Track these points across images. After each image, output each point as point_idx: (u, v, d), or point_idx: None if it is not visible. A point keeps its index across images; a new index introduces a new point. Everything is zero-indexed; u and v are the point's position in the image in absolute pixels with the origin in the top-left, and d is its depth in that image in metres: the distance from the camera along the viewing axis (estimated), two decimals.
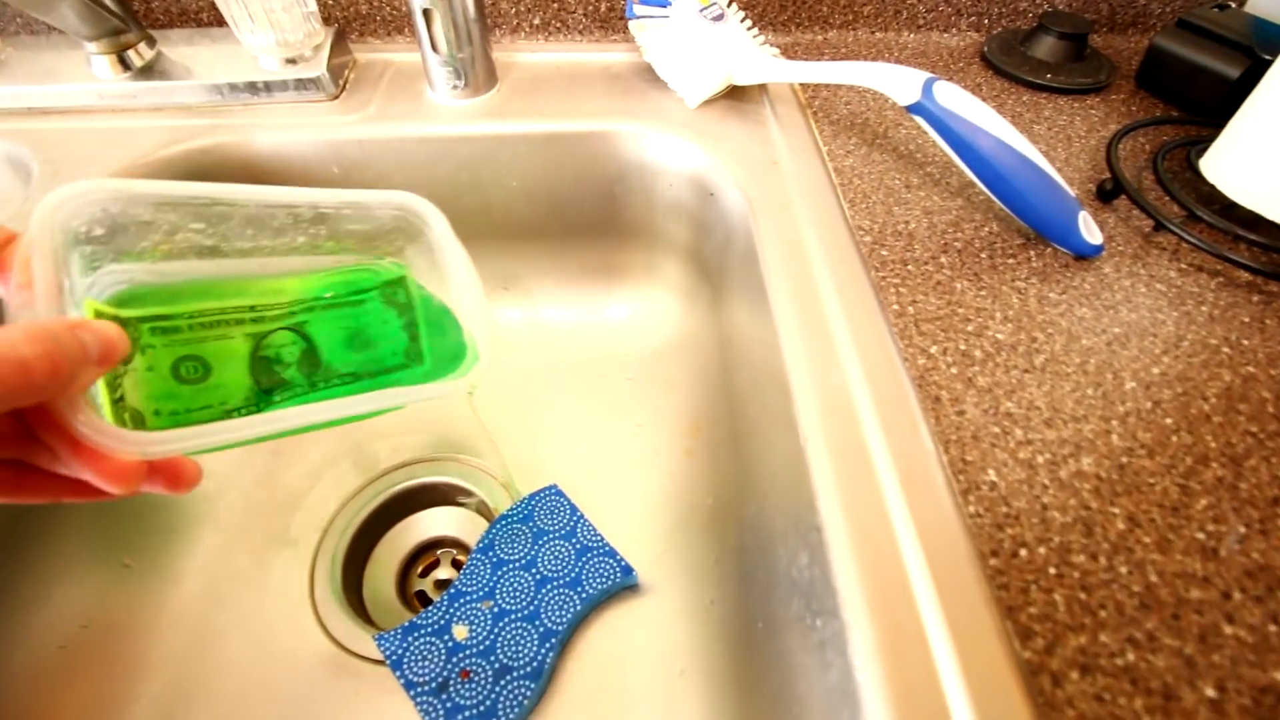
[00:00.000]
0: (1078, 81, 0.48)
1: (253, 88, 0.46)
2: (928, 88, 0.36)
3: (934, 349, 0.31)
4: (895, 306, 0.33)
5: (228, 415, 0.27)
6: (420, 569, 0.44)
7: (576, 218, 0.50)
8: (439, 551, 0.44)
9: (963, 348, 0.31)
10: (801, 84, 0.49)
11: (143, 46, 0.46)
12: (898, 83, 0.37)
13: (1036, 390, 0.29)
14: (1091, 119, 0.46)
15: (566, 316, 0.52)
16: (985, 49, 0.51)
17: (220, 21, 0.52)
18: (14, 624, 0.35)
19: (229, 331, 0.29)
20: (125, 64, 0.46)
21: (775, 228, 0.37)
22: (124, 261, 0.27)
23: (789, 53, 0.52)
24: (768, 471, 0.33)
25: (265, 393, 0.29)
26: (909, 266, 0.35)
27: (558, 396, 0.48)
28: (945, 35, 0.54)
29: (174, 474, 0.23)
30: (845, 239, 0.36)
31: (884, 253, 0.35)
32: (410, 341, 0.33)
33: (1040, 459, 0.27)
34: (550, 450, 0.45)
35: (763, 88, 0.48)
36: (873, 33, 0.54)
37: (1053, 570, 0.24)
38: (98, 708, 0.35)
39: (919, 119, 0.37)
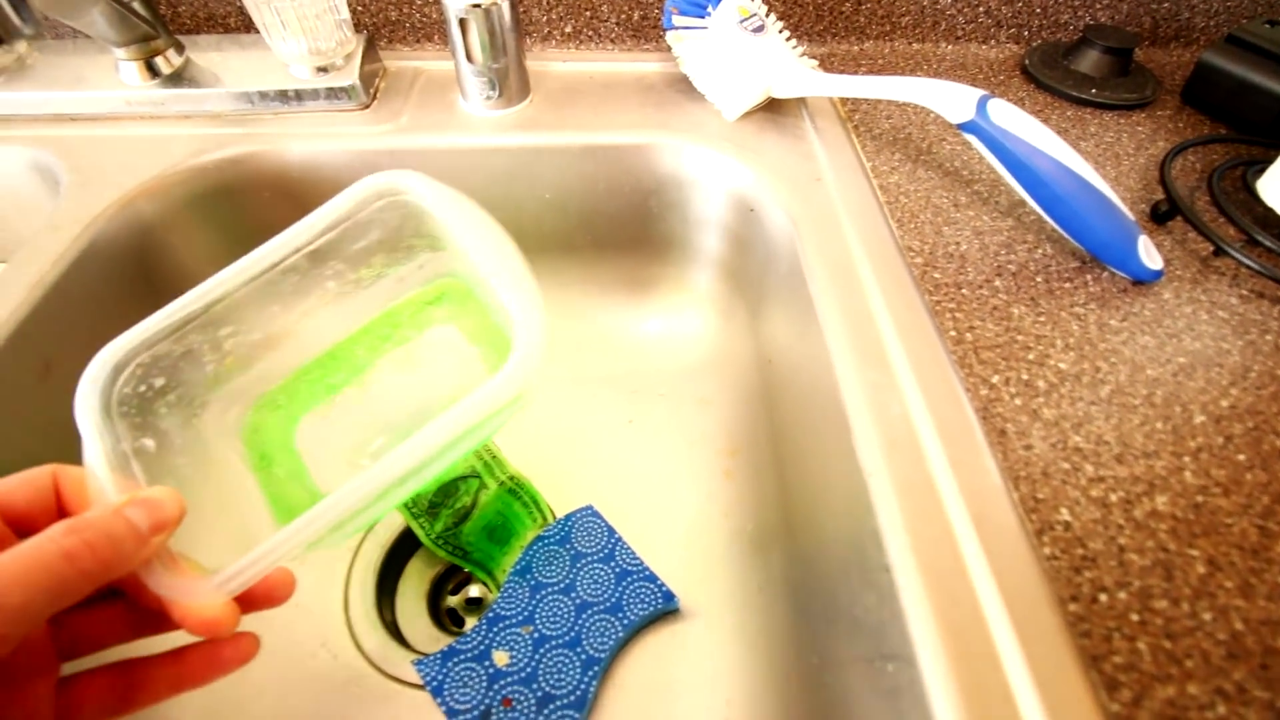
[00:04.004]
0: (1123, 97, 0.47)
1: (283, 96, 0.45)
2: (981, 106, 0.35)
3: (996, 379, 0.30)
4: (952, 333, 0.32)
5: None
6: (451, 586, 0.43)
7: (609, 230, 0.49)
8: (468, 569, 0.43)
9: (1025, 377, 0.30)
10: (842, 98, 0.48)
11: (171, 53, 0.46)
12: (949, 100, 0.36)
13: (1104, 424, 0.29)
14: (1139, 136, 0.45)
15: (596, 330, 0.51)
16: (1026, 61, 0.51)
17: (248, 27, 0.51)
18: None
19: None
20: (154, 70, 0.45)
21: (822, 247, 0.36)
22: (216, 391, 0.29)
23: (825, 64, 0.51)
24: (820, 502, 0.32)
25: None
26: (963, 290, 0.34)
27: (588, 412, 0.47)
28: (984, 47, 0.53)
29: (265, 593, 0.23)
30: (896, 260, 0.35)
31: (936, 275, 0.35)
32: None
33: (1113, 497, 0.26)
34: (583, 468, 0.44)
35: (801, 100, 0.47)
36: (910, 43, 0.53)
37: (1135, 616, 0.23)
38: None
39: (971, 137, 0.36)
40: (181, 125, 0.45)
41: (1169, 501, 0.26)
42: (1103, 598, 0.24)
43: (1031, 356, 0.31)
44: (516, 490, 0.43)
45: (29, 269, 0.36)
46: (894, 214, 0.38)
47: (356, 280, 0.32)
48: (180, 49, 0.46)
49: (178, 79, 0.46)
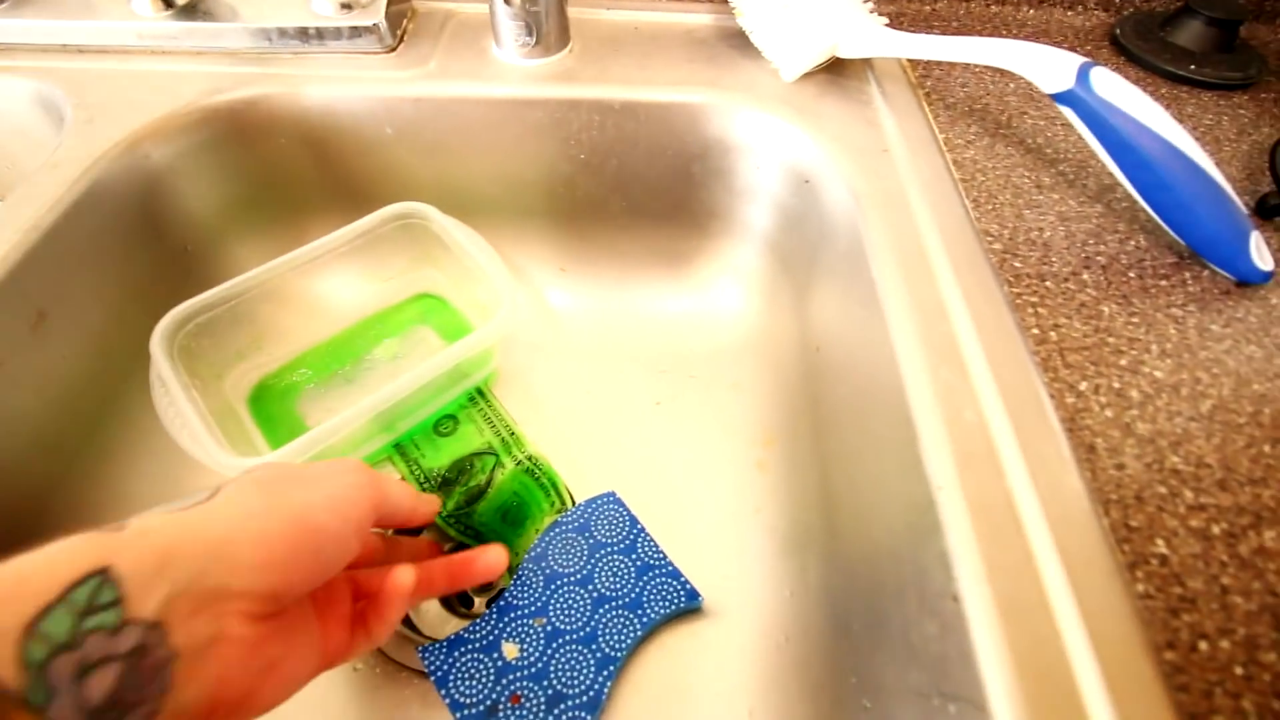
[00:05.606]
0: (1225, 75, 0.42)
1: (304, 34, 0.42)
2: (1083, 74, 0.31)
3: (1084, 385, 0.26)
4: (1035, 330, 0.28)
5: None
6: None
7: (646, 197, 0.45)
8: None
9: (1116, 385, 0.27)
10: (911, 61, 0.43)
11: None
12: (1045, 66, 0.32)
13: (1205, 443, 0.25)
14: (1241, 120, 0.40)
15: (626, 305, 0.48)
16: (1117, 31, 0.46)
17: None
18: None
19: None
20: (168, 1, 0.42)
21: (888, 226, 0.32)
22: (237, 365, 0.41)
23: (894, 23, 0.46)
24: (871, 509, 0.29)
25: None
26: (1047, 282, 0.30)
27: (612, 391, 0.44)
28: (1070, 13, 0.48)
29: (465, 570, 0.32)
30: (972, 245, 0.31)
31: (1017, 264, 0.31)
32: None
33: (1216, 529, 0.23)
34: (605, 452, 0.42)
35: (867, 63, 0.43)
36: (987, 5, 0.48)
37: (1239, 670, 0.20)
38: None
39: (1066, 110, 0.32)
40: (194, 62, 0.42)
41: (1278, 537, 0.23)
42: (1203, 646, 0.21)
43: (1124, 362, 0.27)
44: (534, 471, 0.40)
45: (24, 210, 0.34)
46: (970, 193, 0.34)
47: (365, 284, 0.44)
48: None
49: (192, 11, 0.42)
